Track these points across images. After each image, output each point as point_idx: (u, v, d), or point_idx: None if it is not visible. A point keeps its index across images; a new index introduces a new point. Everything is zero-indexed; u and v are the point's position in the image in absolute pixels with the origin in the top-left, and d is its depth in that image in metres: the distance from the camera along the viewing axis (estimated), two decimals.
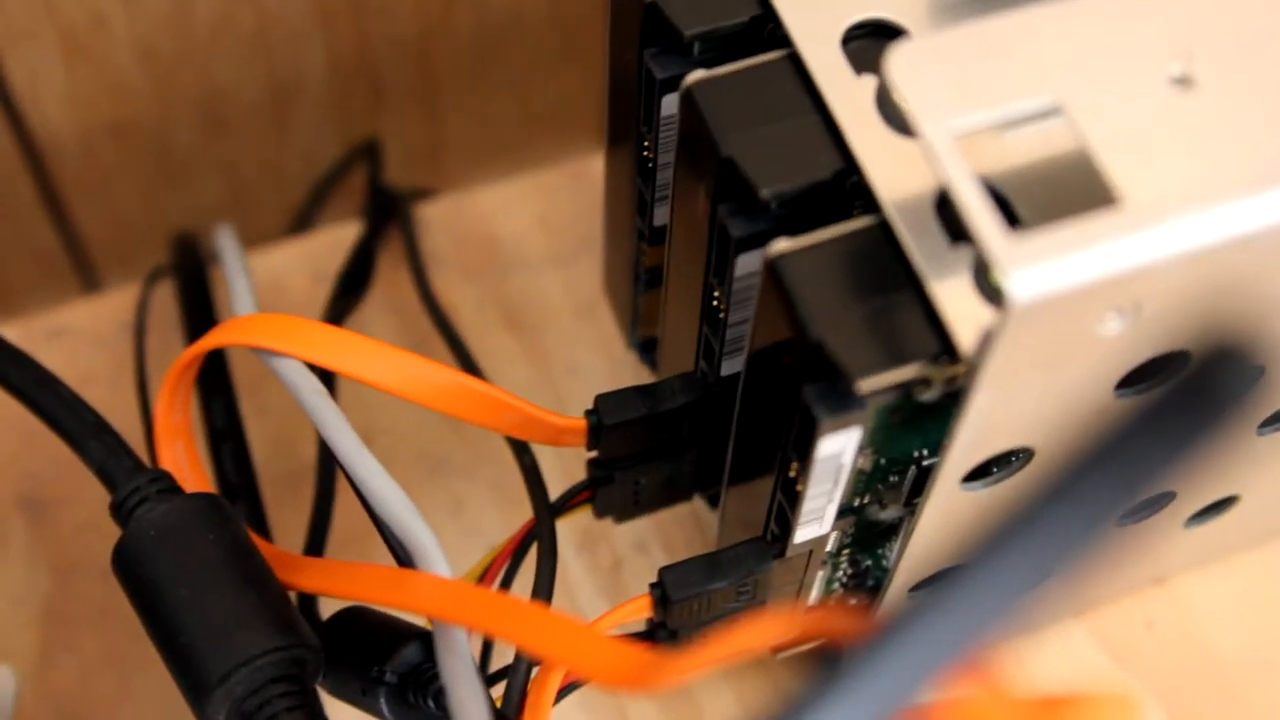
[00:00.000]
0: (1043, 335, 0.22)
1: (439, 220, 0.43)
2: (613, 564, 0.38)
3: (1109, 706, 0.18)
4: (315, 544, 0.34)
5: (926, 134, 0.22)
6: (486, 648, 0.31)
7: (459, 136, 0.53)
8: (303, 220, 0.49)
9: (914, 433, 0.26)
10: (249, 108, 0.48)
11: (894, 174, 0.25)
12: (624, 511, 0.32)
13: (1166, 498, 0.31)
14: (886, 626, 0.14)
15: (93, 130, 0.47)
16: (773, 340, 0.25)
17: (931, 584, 0.31)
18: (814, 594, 0.31)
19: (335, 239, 0.43)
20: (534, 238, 0.43)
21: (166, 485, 0.28)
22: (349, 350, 0.28)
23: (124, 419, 0.31)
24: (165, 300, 0.41)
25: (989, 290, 0.23)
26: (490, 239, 0.43)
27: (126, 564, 0.27)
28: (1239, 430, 0.29)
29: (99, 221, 0.51)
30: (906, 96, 0.22)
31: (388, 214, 0.43)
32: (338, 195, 0.49)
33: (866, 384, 0.23)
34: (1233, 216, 0.22)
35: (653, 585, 0.29)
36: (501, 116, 0.53)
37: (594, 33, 0.51)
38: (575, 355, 0.41)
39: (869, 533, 0.29)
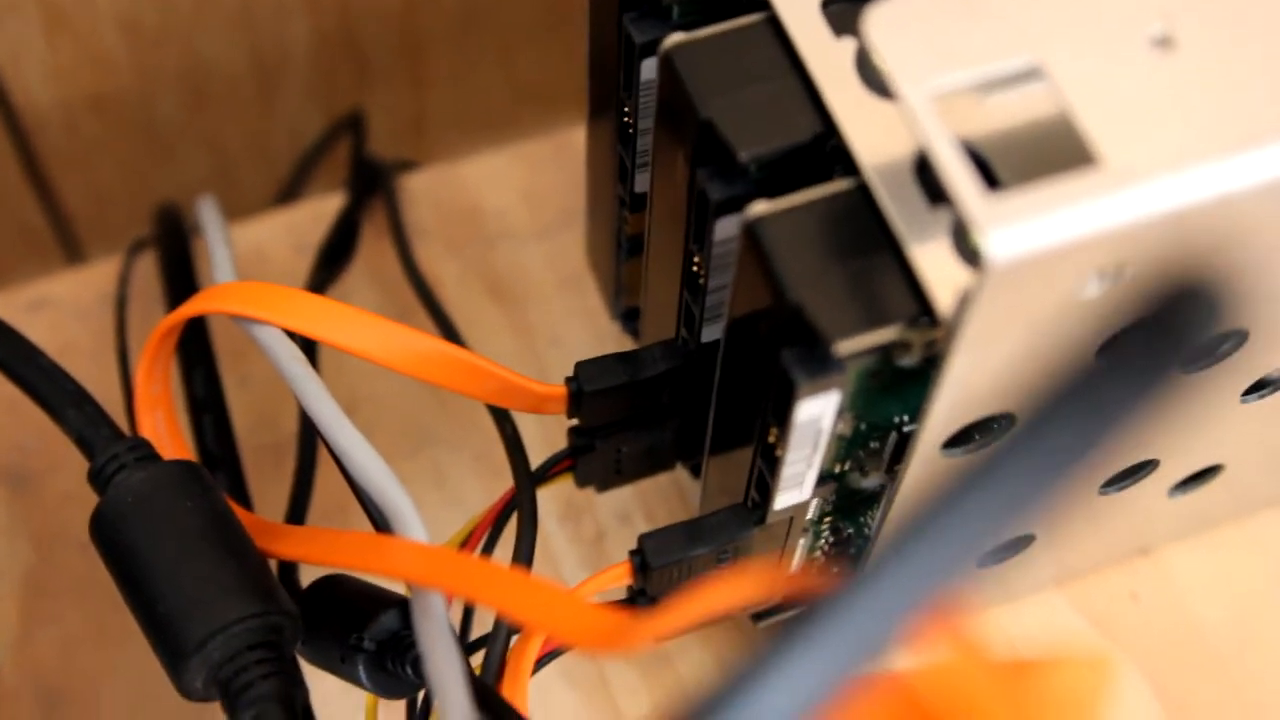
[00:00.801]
0: (1022, 297, 0.22)
1: (423, 192, 0.43)
2: (596, 535, 0.38)
3: (1082, 667, 0.18)
4: (296, 515, 0.34)
5: (905, 95, 0.22)
6: (466, 616, 0.31)
7: (443, 108, 0.53)
8: (287, 193, 0.49)
9: (894, 398, 0.26)
10: (232, 80, 0.48)
11: (873, 137, 0.24)
12: (606, 480, 0.32)
13: (1150, 465, 0.31)
14: (848, 580, 0.14)
15: (75, 104, 0.47)
16: (752, 305, 0.25)
17: None
18: (796, 561, 0.31)
19: (318, 211, 0.43)
20: (518, 209, 0.43)
21: (145, 453, 0.28)
22: (328, 317, 0.28)
23: (105, 390, 0.31)
24: (147, 272, 0.41)
25: (968, 252, 0.23)
26: (474, 211, 0.43)
27: (104, 531, 0.27)
28: (1222, 397, 0.29)
29: (81, 194, 0.50)
30: (885, 57, 0.22)
31: (371, 186, 0.43)
32: (322, 167, 0.49)
33: (845, 346, 0.23)
34: (1213, 177, 0.22)
35: (632, 552, 0.29)
36: (486, 88, 0.53)
37: (578, 3, 0.51)
38: (559, 327, 0.41)
39: (850, 500, 0.29)
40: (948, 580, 0.13)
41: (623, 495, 0.38)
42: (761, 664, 0.13)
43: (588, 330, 0.41)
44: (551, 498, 0.38)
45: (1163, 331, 0.13)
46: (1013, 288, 0.22)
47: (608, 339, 0.40)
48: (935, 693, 0.17)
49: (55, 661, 0.36)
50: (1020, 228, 0.21)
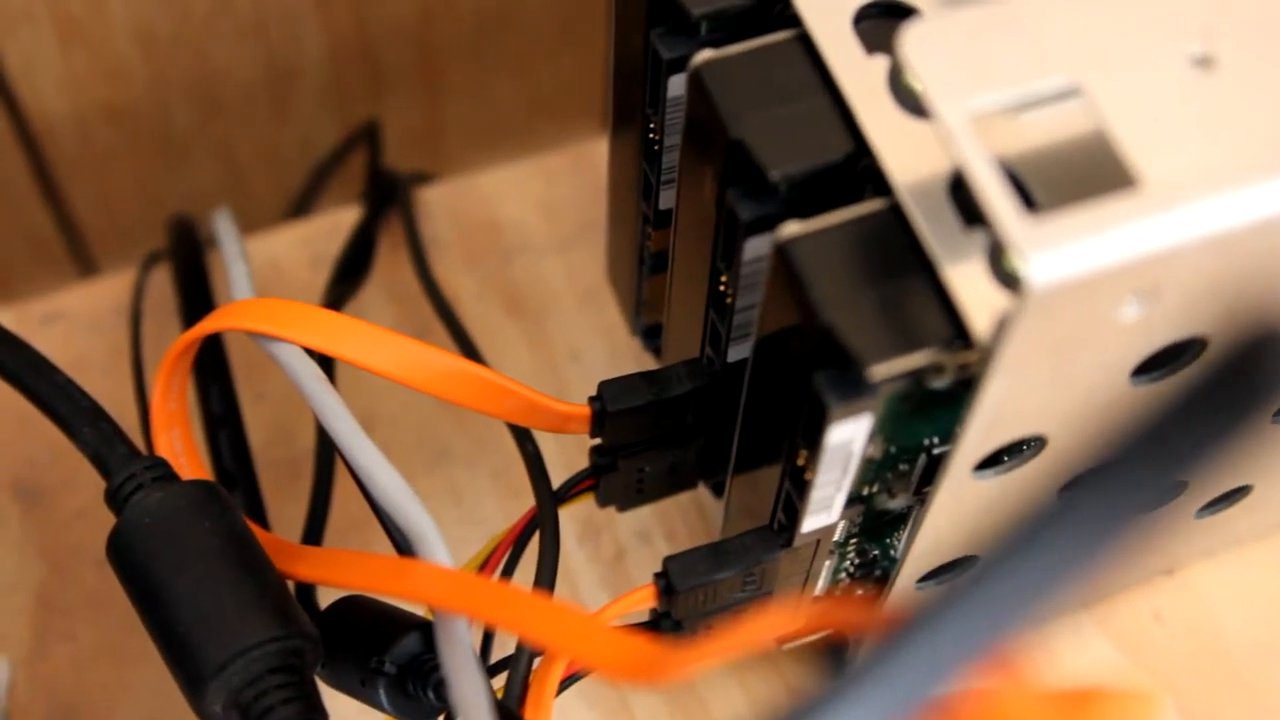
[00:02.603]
0: (1060, 321, 0.22)
1: (439, 204, 0.43)
2: (615, 554, 0.37)
3: (1131, 702, 0.18)
4: (313, 532, 0.34)
5: (942, 114, 0.21)
6: (487, 638, 0.30)
7: (459, 120, 0.53)
8: (301, 204, 0.48)
9: (925, 420, 0.25)
10: (247, 91, 0.48)
11: (906, 156, 0.24)
12: (627, 500, 0.32)
13: (1179, 487, 0.31)
14: (908, 620, 0.13)
15: (89, 114, 0.47)
16: (781, 325, 0.25)
17: (940, 574, 0.30)
18: (821, 584, 0.31)
19: (334, 223, 0.42)
20: (536, 222, 0.43)
21: (162, 472, 0.28)
22: (348, 335, 0.28)
23: (119, 405, 0.31)
24: (162, 285, 0.40)
25: (1004, 275, 0.22)
26: (491, 224, 0.43)
27: (121, 552, 0.27)
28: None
29: (95, 205, 0.50)
30: (921, 76, 0.22)
31: (387, 198, 0.42)
32: (337, 179, 0.49)
33: (878, 370, 0.23)
34: (1255, 200, 0.21)
35: (657, 575, 0.29)
36: (503, 99, 0.52)
37: (595, 15, 0.51)
38: (578, 342, 0.41)
39: (878, 522, 0.29)
40: (1019, 622, 0.13)
41: (642, 514, 0.38)
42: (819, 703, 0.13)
43: (607, 346, 0.40)
44: (570, 516, 0.37)
45: (1249, 386, 0.13)
46: (1052, 312, 0.21)
47: (627, 355, 0.40)
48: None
49: (69, 678, 0.36)
50: (1061, 251, 0.20)
